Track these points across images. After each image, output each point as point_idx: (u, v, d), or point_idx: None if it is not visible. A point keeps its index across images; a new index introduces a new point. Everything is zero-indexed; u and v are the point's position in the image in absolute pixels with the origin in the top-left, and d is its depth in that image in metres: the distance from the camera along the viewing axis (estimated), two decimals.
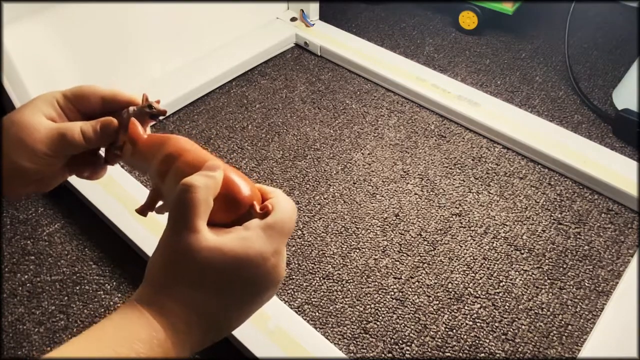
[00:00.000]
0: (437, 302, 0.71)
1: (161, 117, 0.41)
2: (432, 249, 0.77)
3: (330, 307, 0.70)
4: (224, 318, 0.33)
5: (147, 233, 0.74)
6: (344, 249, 0.77)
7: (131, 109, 0.40)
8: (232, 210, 0.34)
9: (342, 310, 0.70)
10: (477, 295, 0.71)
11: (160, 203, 0.39)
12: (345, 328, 0.68)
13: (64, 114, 0.41)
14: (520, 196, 0.84)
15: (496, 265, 0.75)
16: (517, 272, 0.74)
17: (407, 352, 0.66)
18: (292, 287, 0.73)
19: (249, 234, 0.32)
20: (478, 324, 0.68)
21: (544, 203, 0.83)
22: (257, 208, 0.34)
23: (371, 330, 0.68)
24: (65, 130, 0.38)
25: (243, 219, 0.34)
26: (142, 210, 0.38)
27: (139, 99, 0.41)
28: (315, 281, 0.73)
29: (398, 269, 0.75)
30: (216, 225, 0.33)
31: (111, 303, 0.72)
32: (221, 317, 0.32)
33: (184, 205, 0.32)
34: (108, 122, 0.39)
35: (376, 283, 0.73)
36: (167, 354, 0.30)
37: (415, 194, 0.85)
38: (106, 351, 0.28)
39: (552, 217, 0.81)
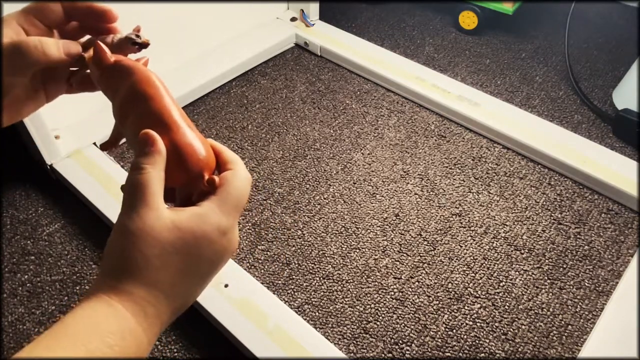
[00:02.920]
0: (437, 302, 0.71)
1: (143, 49, 0.39)
2: (432, 249, 0.77)
3: (330, 307, 0.70)
4: (188, 292, 0.33)
5: None
6: (344, 249, 0.77)
7: (117, 37, 0.39)
8: (182, 174, 0.34)
9: (342, 310, 0.70)
10: (477, 295, 0.71)
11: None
12: (345, 328, 0.68)
13: (25, 32, 0.38)
14: (520, 196, 0.84)
15: (496, 265, 0.75)
16: (517, 272, 0.74)
17: (407, 352, 0.66)
18: (292, 287, 0.73)
19: (204, 211, 0.33)
20: (478, 324, 0.68)
21: (544, 203, 0.83)
22: (205, 180, 0.34)
23: (371, 330, 0.68)
24: (20, 42, 0.35)
25: (194, 184, 0.34)
26: (106, 148, 0.39)
27: (95, 7, 0.38)
28: (315, 281, 0.73)
29: (398, 269, 0.75)
30: (169, 189, 0.34)
31: None
32: (185, 292, 0.33)
33: (137, 185, 0.32)
34: (71, 43, 0.37)
35: (376, 283, 0.73)
36: (139, 341, 0.30)
37: (415, 194, 0.85)
38: (78, 348, 0.27)
39: (552, 217, 0.81)
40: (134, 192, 0.32)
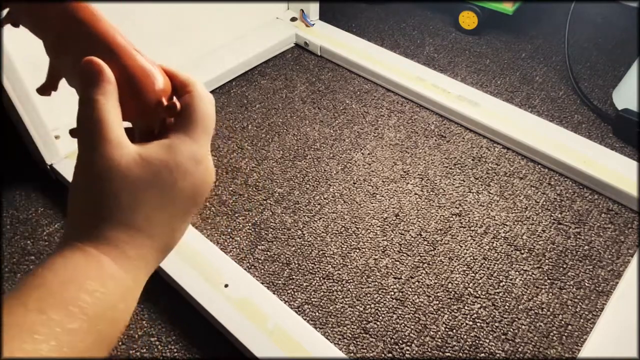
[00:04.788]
0: (437, 302, 0.71)
1: None
2: (432, 249, 0.77)
3: (330, 307, 0.70)
4: (170, 228, 0.30)
5: None
6: (344, 249, 0.77)
7: None
8: (138, 104, 0.30)
9: (342, 310, 0.70)
10: (477, 295, 0.71)
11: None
12: (345, 328, 0.68)
13: None
14: (520, 196, 0.84)
15: (496, 265, 0.75)
16: (517, 272, 0.74)
17: (407, 352, 0.66)
18: (292, 287, 0.73)
19: (172, 141, 0.30)
20: (478, 324, 0.68)
21: (544, 203, 0.83)
22: (165, 106, 0.30)
23: (371, 330, 0.68)
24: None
25: (153, 114, 0.31)
26: (43, 91, 0.34)
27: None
28: (315, 281, 0.73)
29: (398, 269, 0.75)
30: (126, 129, 0.30)
31: None
32: (167, 229, 0.30)
33: (92, 121, 0.28)
34: None
35: (376, 283, 0.73)
36: (124, 286, 0.28)
37: (415, 194, 0.85)
38: (54, 298, 0.25)
39: (552, 217, 0.81)
40: (90, 130, 0.28)
